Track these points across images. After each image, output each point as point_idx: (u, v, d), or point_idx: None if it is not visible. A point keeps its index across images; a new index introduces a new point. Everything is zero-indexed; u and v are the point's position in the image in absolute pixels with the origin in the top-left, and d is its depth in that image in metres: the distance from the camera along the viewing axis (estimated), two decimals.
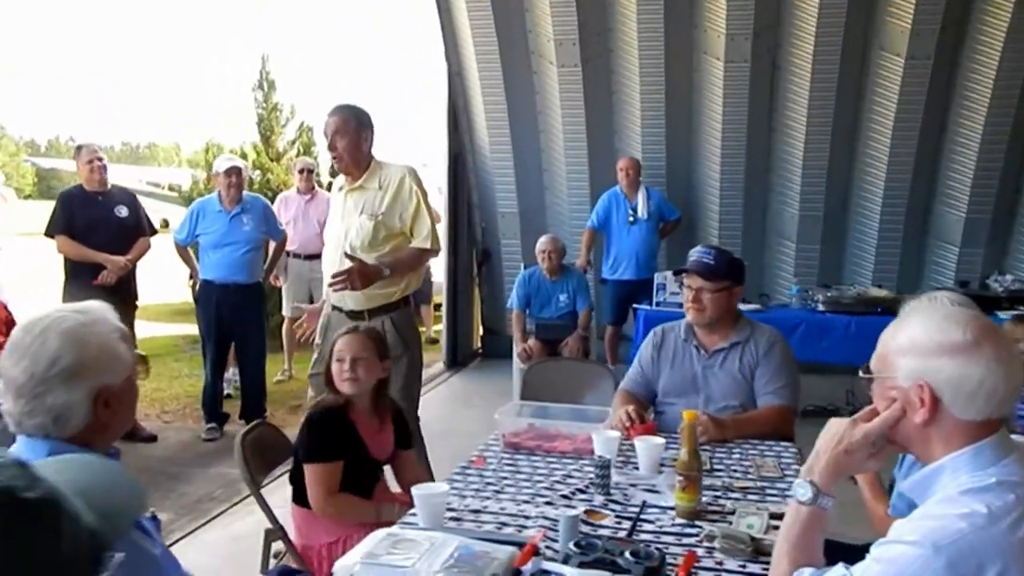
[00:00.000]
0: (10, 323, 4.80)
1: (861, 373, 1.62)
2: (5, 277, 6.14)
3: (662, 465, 2.55)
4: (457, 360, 7.98)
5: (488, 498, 2.33)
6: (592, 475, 2.45)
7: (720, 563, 1.90)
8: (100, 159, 5.39)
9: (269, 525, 2.80)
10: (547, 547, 1.94)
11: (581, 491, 2.38)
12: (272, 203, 6.46)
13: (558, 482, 2.46)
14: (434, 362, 7.75)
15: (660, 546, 1.95)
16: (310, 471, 2.63)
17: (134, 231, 5.45)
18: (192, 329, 9.50)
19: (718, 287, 3.06)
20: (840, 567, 1.42)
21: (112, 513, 0.76)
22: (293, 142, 8.96)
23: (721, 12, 6.61)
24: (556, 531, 2.03)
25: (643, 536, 2.06)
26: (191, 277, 10.21)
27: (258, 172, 8.67)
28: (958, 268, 7.25)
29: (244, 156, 8.60)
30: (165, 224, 9.09)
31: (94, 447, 1.67)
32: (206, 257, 5.53)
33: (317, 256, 6.21)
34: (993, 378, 1.41)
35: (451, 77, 7.46)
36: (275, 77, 8.86)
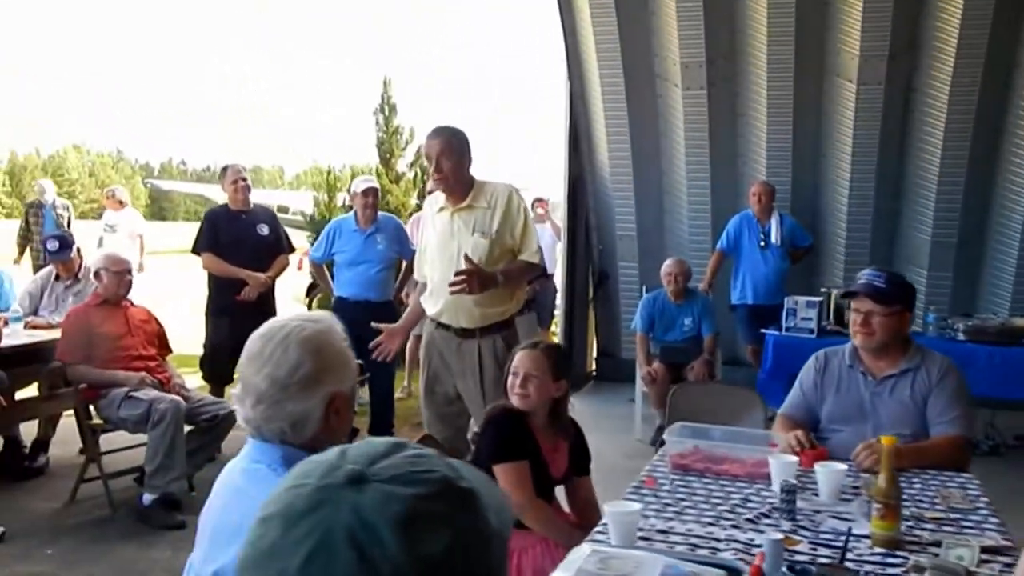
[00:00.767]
0: (162, 336, 5.01)
1: None
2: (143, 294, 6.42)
3: (842, 492, 2.48)
4: (571, 383, 7.93)
5: (671, 519, 2.29)
6: (771, 499, 2.40)
7: None
8: (244, 179, 5.59)
9: None
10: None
11: (765, 515, 2.33)
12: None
13: (738, 505, 2.41)
14: None
15: None
16: (503, 472, 2.62)
17: (274, 248, 5.63)
18: None
19: (889, 311, 2.97)
20: None
21: (504, 515, 0.77)
22: (411, 164, 9.13)
23: (856, 34, 6.48)
24: (751, 555, 1.99)
25: (846, 565, 2.00)
26: (307, 294, 10.48)
27: None
28: None
29: None
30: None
31: (320, 452, 1.71)
32: (340, 275, 5.66)
33: None
34: None
35: (573, 100, 7.50)
36: (395, 101, 9.06)
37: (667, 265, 6.26)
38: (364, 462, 0.73)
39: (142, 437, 4.69)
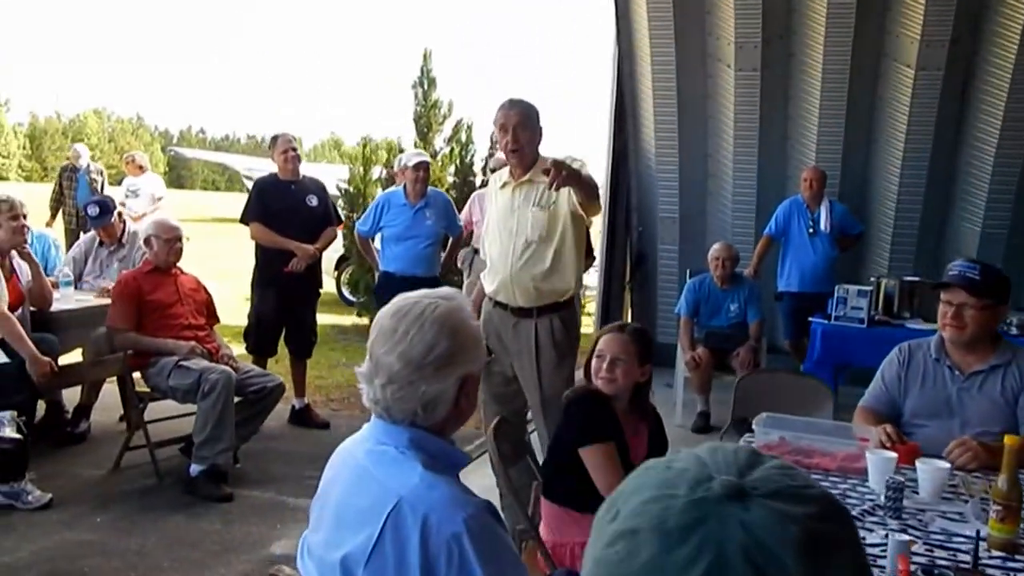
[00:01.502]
0: (210, 305, 4.95)
1: None
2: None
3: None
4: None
5: None
6: (870, 496, 2.33)
7: None
8: (294, 149, 5.50)
9: None
10: None
11: (869, 512, 2.25)
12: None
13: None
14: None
15: None
16: (592, 454, 2.55)
17: (323, 220, 5.55)
18: (343, 320, 9.76)
19: (982, 304, 2.87)
20: None
21: None
22: (449, 139, 9.00)
23: (918, 18, 6.31)
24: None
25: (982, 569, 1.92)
26: (336, 267, 10.38)
27: None
28: None
29: (401, 151, 8.69)
30: None
31: (445, 436, 1.64)
32: (388, 249, 5.58)
33: None
34: None
35: (621, 77, 7.36)
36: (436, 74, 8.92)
37: (715, 249, 6.15)
38: (734, 472, 0.65)
39: (184, 407, 4.66)
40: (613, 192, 7.72)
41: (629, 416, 2.73)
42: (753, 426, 2.73)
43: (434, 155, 8.99)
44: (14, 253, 4.61)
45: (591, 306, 8.55)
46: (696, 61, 7.04)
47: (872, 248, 7.25)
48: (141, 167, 9.50)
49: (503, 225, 3.76)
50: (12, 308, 4.36)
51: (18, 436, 3.94)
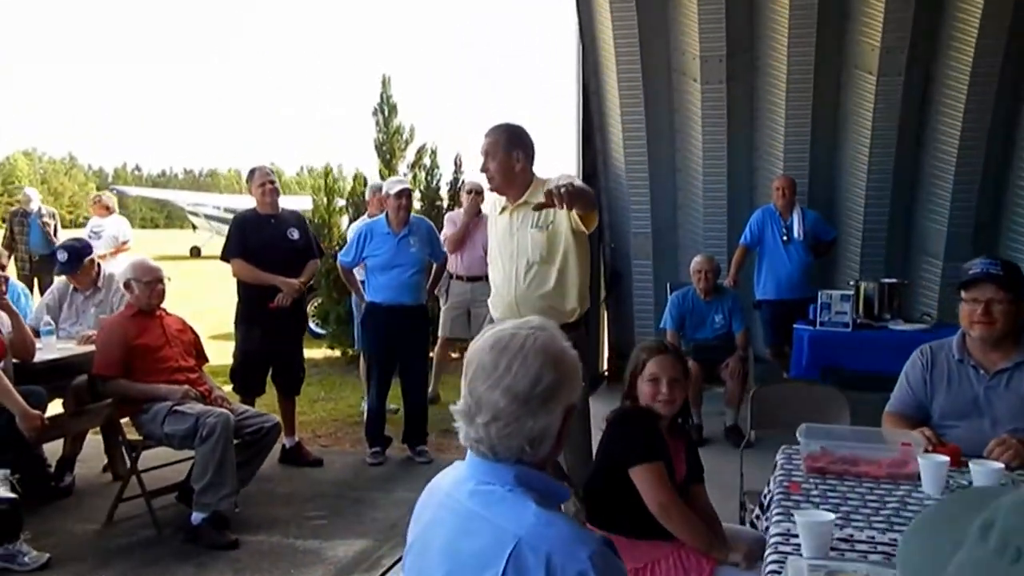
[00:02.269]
0: (198, 346, 4.82)
1: None
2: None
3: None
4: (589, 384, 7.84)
5: (842, 526, 2.19)
6: (928, 501, 2.32)
7: None
8: (272, 182, 5.39)
9: None
10: None
11: None
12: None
13: (900, 509, 2.32)
14: None
15: None
16: (644, 473, 2.52)
17: (304, 253, 5.43)
18: (314, 353, 9.56)
19: (1011, 298, 2.89)
20: None
21: None
22: (412, 165, 8.91)
23: (877, 26, 6.45)
24: None
25: None
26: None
27: None
28: None
29: (365, 181, 8.59)
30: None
31: (543, 469, 1.58)
32: (373, 279, 5.48)
33: (479, 278, 6.19)
34: None
35: (587, 95, 7.39)
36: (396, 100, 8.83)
37: (696, 262, 6.19)
38: None
39: (174, 454, 4.51)
40: None
41: (670, 436, 2.71)
42: (798, 436, 2.71)
43: None
44: None
45: None
46: (662, 76, 7.10)
47: (844, 252, 7.35)
48: (108, 208, 9.30)
49: (503, 249, 3.76)
50: None
51: (12, 495, 3.77)
